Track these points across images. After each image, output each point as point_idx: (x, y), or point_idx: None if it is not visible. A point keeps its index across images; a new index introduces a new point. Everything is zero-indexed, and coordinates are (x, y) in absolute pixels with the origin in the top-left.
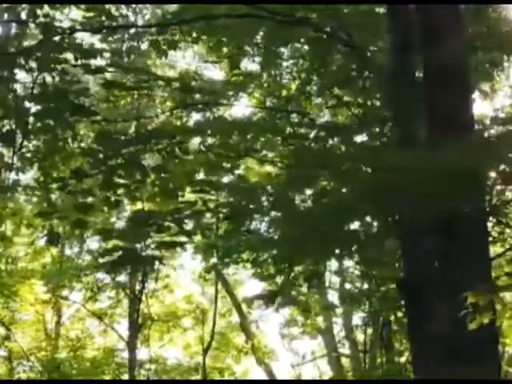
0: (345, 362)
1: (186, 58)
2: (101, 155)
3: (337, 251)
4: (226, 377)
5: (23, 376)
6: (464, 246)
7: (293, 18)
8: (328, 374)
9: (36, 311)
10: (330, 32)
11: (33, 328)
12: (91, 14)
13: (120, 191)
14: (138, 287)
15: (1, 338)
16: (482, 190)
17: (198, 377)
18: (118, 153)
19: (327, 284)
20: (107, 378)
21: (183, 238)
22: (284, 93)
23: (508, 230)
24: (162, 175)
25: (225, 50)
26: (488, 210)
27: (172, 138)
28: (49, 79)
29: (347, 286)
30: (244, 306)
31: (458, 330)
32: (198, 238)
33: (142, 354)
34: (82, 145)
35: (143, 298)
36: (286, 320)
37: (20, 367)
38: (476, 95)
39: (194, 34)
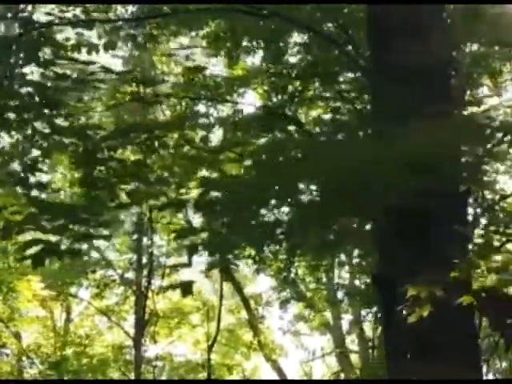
0: (354, 358)
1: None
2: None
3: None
4: (235, 373)
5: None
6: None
7: (267, 12)
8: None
9: (43, 308)
10: (305, 25)
11: (39, 325)
12: (66, 8)
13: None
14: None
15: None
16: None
17: (205, 373)
18: (97, 147)
19: (336, 279)
20: (114, 375)
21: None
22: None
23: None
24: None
25: (221, 44)
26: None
27: (150, 132)
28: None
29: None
30: (252, 303)
31: (432, 324)
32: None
33: (151, 350)
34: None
35: (149, 294)
36: (294, 316)
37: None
38: (481, 90)
39: (173, 28)
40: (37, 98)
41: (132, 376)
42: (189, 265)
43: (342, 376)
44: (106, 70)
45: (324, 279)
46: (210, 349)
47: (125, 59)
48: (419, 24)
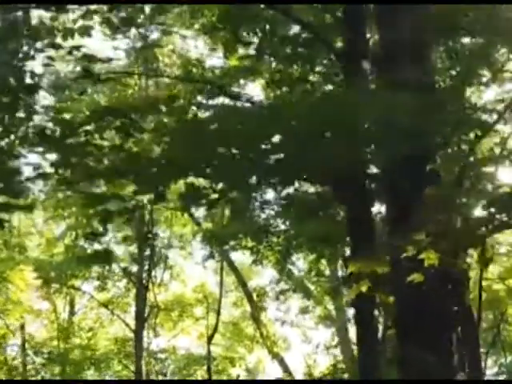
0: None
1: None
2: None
3: None
4: (238, 366)
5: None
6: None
7: None
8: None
9: (46, 300)
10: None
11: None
12: None
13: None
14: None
15: None
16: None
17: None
18: (74, 131)
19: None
20: (117, 367)
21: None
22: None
23: None
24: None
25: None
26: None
27: (125, 116)
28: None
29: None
30: (255, 296)
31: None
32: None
33: (154, 343)
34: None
35: (150, 287)
36: (298, 308)
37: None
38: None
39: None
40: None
41: (133, 368)
42: (104, 233)
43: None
44: (56, 46)
45: (327, 271)
46: (209, 341)
47: (127, 51)
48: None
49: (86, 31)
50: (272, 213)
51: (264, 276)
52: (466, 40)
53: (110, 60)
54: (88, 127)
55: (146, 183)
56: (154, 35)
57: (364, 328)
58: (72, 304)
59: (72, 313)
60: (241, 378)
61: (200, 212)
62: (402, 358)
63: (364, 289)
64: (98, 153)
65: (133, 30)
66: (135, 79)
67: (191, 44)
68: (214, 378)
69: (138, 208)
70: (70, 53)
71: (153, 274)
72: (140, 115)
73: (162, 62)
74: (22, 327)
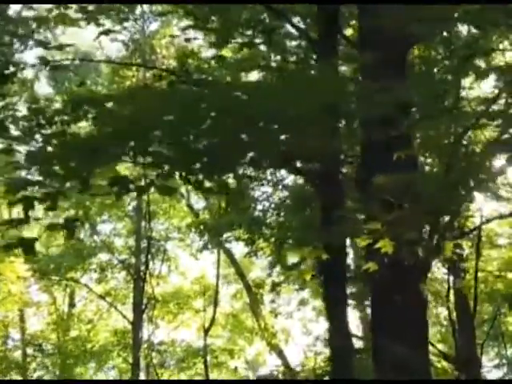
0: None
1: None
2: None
3: None
4: (237, 358)
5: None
6: None
7: None
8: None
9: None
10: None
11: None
12: None
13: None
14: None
15: None
16: None
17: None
18: (50, 121)
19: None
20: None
21: None
22: None
23: None
24: None
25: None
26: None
27: (101, 105)
28: None
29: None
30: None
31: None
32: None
33: (152, 335)
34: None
35: (148, 279)
36: (299, 300)
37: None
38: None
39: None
40: None
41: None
42: (26, 221)
43: None
44: (14, 34)
45: None
46: (206, 333)
47: (125, 43)
48: None
49: (62, 20)
50: (267, 204)
51: (264, 267)
52: (462, 29)
53: (62, 47)
54: (61, 117)
55: (70, 169)
56: (152, 27)
57: (336, 319)
58: (72, 296)
59: (72, 305)
60: (239, 371)
61: (200, 204)
62: (374, 348)
63: (308, 277)
64: (73, 142)
65: (130, 22)
66: (133, 71)
67: (190, 35)
68: (213, 370)
69: (60, 194)
70: (23, 41)
71: (151, 266)
72: (117, 105)
73: (160, 54)
74: (22, 320)
